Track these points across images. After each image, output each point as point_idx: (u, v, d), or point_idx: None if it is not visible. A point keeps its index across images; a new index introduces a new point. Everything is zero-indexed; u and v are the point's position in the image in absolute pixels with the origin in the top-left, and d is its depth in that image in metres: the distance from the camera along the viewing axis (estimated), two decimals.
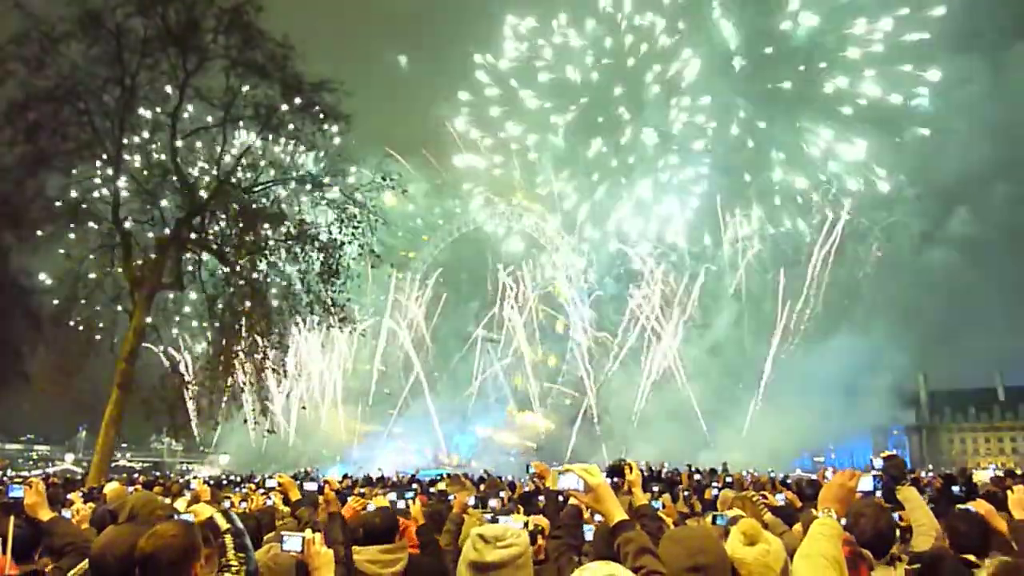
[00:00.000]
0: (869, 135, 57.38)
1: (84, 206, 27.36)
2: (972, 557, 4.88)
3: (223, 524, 3.93)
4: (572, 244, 67.98)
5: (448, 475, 20.35)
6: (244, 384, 28.94)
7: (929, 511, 5.13)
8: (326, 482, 6.13)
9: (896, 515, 5.57)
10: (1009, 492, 6.23)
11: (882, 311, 53.44)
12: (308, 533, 4.14)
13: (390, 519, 5.68)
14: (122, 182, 27.39)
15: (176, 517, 4.70)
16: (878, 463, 5.56)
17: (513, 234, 69.60)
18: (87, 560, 3.81)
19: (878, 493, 4.52)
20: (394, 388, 66.40)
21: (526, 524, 5.60)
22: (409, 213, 67.77)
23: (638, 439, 56.16)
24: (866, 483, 3.51)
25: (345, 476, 27.48)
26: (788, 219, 60.92)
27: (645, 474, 20.41)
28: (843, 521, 3.26)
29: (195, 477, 26.28)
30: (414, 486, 15.94)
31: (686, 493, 13.25)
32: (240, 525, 4.50)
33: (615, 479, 6.06)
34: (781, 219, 61.28)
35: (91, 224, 27.70)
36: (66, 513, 7.07)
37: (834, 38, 58.22)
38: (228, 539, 3.95)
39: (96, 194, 27.80)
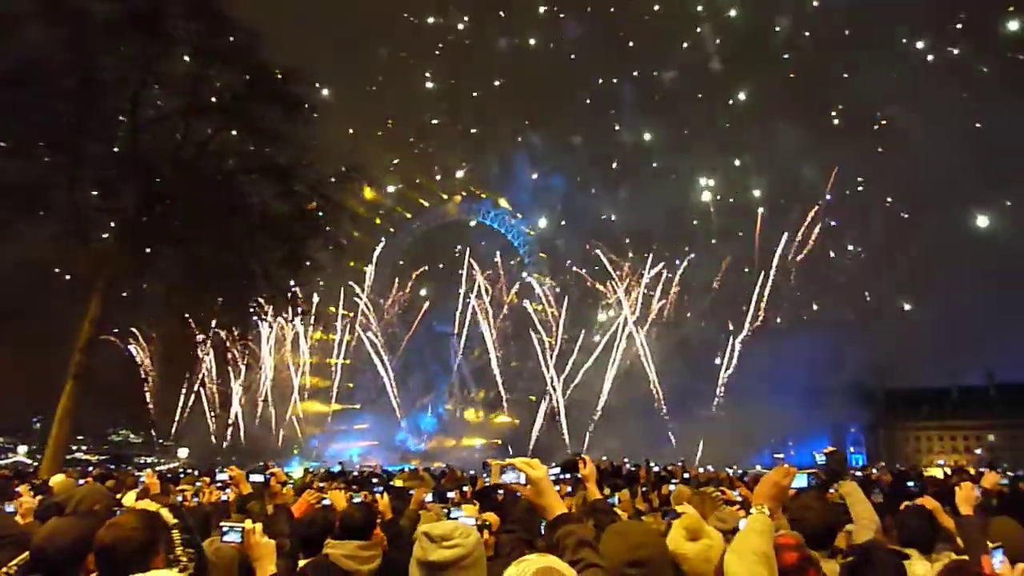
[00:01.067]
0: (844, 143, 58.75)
1: (41, 193, 26.66)
2: (915, 552, 5.04)
3: (169, 519, 3.89)
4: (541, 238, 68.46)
5: (406, 470, 20.27)
6: (204, 376, 28.55)
7: (869, 505, 5.27)
8: (272, 474, 6.08)
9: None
10: (956, 489, 6.43)
11: (843, 311, 54.58)
12: (248, 524, 4.11)
13: (369, 515, 5.64)
14: (80, 169, 26.75)
15: (117, 510, 4.64)
16: (820, 459, 5.68)
17: (482, 227, 69.89)
18: (27, 552, 3.76)
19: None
20: (360, 382, 66.08)
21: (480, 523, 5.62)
22: (379, 205, 67.63)
23: (602, 434, 56.68)
24: (800, 480, 3.58)
25: (306, 470, 27.28)
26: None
27: (604, 469, 20.58)
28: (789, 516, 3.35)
29: (148, 470, 25.82)
30: (375, 480, 15.86)
31: (644, 489, 13.39)
32: (189, 520, 4.46)
33: (570, 474, 6.10)
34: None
35: (47, 212, 27.01)
36: (10, 507, 6.94)
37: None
38: (175, 534, 3.91)
39: (53, 181, 27.12)
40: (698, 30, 63.57)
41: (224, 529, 4.28)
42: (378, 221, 68.12)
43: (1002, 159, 53.49)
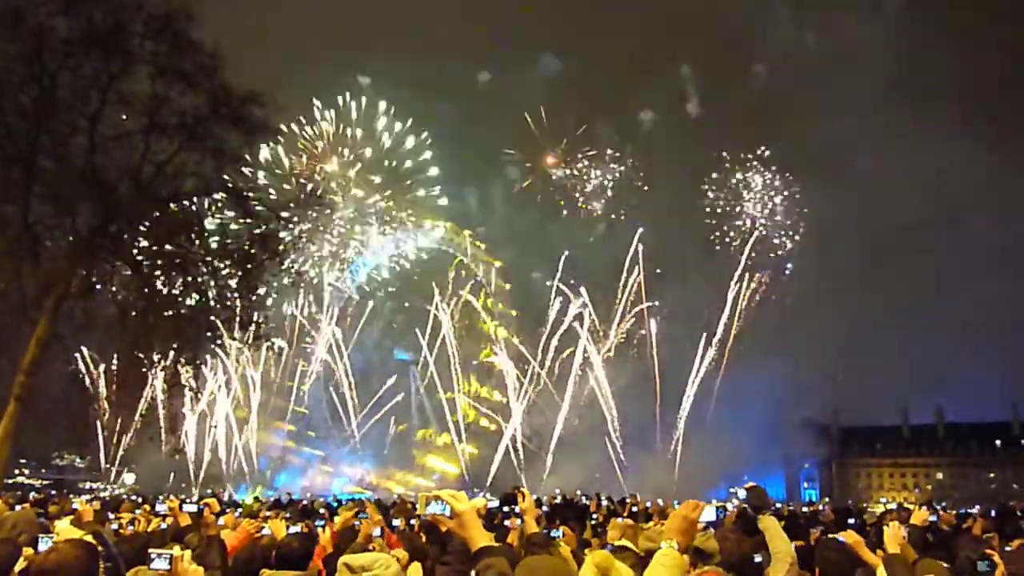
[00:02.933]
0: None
1: None
2: None
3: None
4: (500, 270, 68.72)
5: (351, 501, 20.02)
6: (153, 401, 27.96)
7: (786, 540, 5.41)
8: (206, 504, 6.02)
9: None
10: (885, 528, 6.63)
11: (800, 348, 55.57)
12: (176, 551, 4.10)
13: (307, 545, 5.63)
14: (34, 185, 26.30)
15: (42, 537, 4.60)
16: (741, 494, 5.83)
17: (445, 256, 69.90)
18: None
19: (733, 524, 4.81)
20: (317, 409, 65.21)
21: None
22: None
23: (558, 465, 56.56)
24: (709, 514, 3.71)
25: (256, 499, 26.82)
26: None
27: (556, 504, 20.62)
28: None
29: (87, 496, 25.11)
30: (322, 511, 15.68)
31: (593, 523, 13.51)
32: (113, 549, 4.44)
33: (508, 507, 6.12)
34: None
35: None
36: None
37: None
38: (99, 564, 3.91)
39: (5, 196, 26.62)
40: None
41: (152, 556, 4.26)
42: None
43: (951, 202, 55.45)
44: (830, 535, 6.25)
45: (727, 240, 64.06)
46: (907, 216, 54.52)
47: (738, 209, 64.27)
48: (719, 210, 64.85)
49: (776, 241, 62.57)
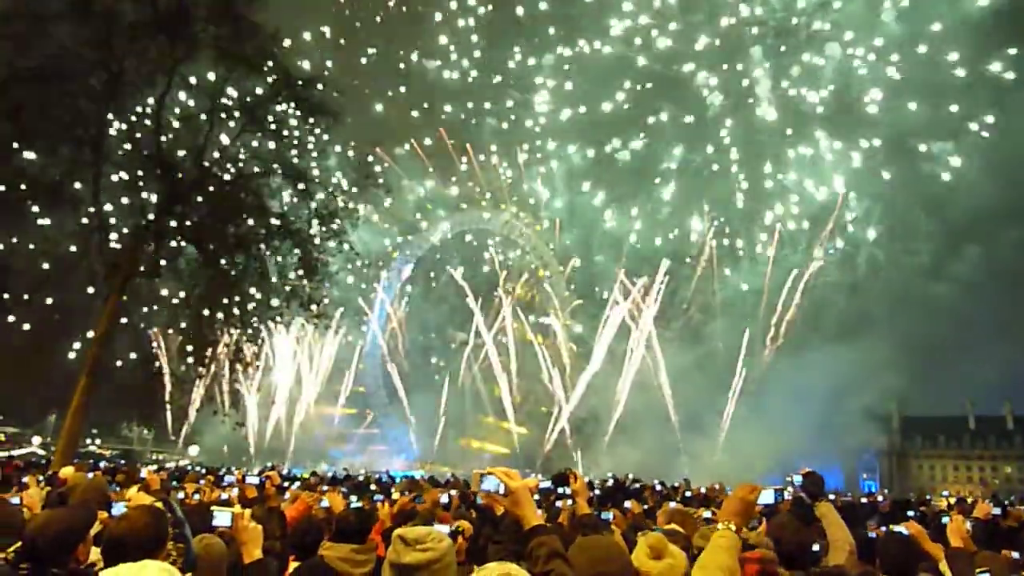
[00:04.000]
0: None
1: (64, 188, 27.14)
2: None
3: None
4: (556, 251, 68.56)
5: (404, 478, 20.35)
6: (217, 376, 28.80)
7: (844, 527, 5.30)
8: (267, 477, 6.18)
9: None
10: (947, 521, 6.46)
11: (862, 334, 54.09)
12: (237, 508, 4.24)
13: (365, 519, 5.74)
14: (104, 166, 27.24)
15: (115, 503, 4.80)
16: (797, 480, 5.72)
17: (501, 239, 69.97)
18: (20, 541, 3.91)
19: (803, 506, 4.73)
20: (373, 388, 66.39)
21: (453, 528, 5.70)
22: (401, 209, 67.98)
23: (613, 448, 56.46)
24: (767, 496, 3.66)
25: (313, 473, 27.49)
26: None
27: (611, 485, 20.60)
28: (765, 531, 3.40)
29: (155, 467, 26.12)
30: (372, 487, 15.95)
31: (646, 507, 13.44)
32: (180, 515, 4.61)
33: (560, 487, 6.15)
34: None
35: (70, 207, 27.50)
36: (15, 499, 7.12)
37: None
38: (168, 529, 4.07)
39: (77, 177, 27.62)
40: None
41: (215, 513, 4.42)
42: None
43: None
44: (891, 527, 6.10)
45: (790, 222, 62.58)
46: (985, 203, 52.17)
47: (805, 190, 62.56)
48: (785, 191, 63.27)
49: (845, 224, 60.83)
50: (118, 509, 4.57)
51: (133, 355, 31.48)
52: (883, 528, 9.12)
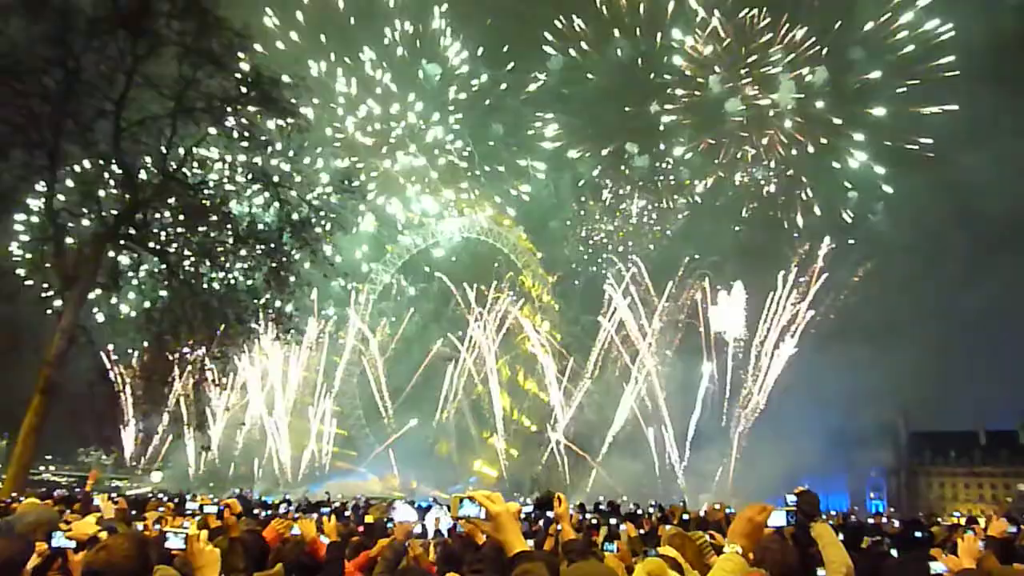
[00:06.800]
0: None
1: (15, 195, 26.73)
2: None
3: None
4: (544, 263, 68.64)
5: (383, 501, 20.13)
6: (180, 396, 28.40)
7: (841, 548, 5.19)
8: (226, 506, 5.98)
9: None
10: (959, 540, 6.38)
11: (868, 347, 54.36)
12: (192, 530, 4.07)
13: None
14: (59, 171, 26.84)
15: (55, 534, 4.62)
16: (791, 499, 5.62)
17: (487, 248, 69.88)
18: None
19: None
20: (349, 407, 65.85)
21: None
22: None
23: (607, 469, 56.35)
24: (778, 518, 3.53)
25: (284, 500, 27.11)
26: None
27: (603, 509, 20.45)
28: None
29: (104, 495, 25.60)
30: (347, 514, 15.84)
31: (642, 531, 13.32)
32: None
33: (544, 511, 5.97)
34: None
35: (21, 215, 27.12)
36: None
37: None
38: (152, 556, 3.95)
39: (30, 182, 27.19)
40: None
41: (168, 535, 4.25)
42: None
43: None
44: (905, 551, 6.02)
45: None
46: (1000, 211, 52.67)
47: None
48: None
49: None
50: (58, 540, 4.38)
51: (90, 375, 30.93)
52: (893, 551, 9.06)
